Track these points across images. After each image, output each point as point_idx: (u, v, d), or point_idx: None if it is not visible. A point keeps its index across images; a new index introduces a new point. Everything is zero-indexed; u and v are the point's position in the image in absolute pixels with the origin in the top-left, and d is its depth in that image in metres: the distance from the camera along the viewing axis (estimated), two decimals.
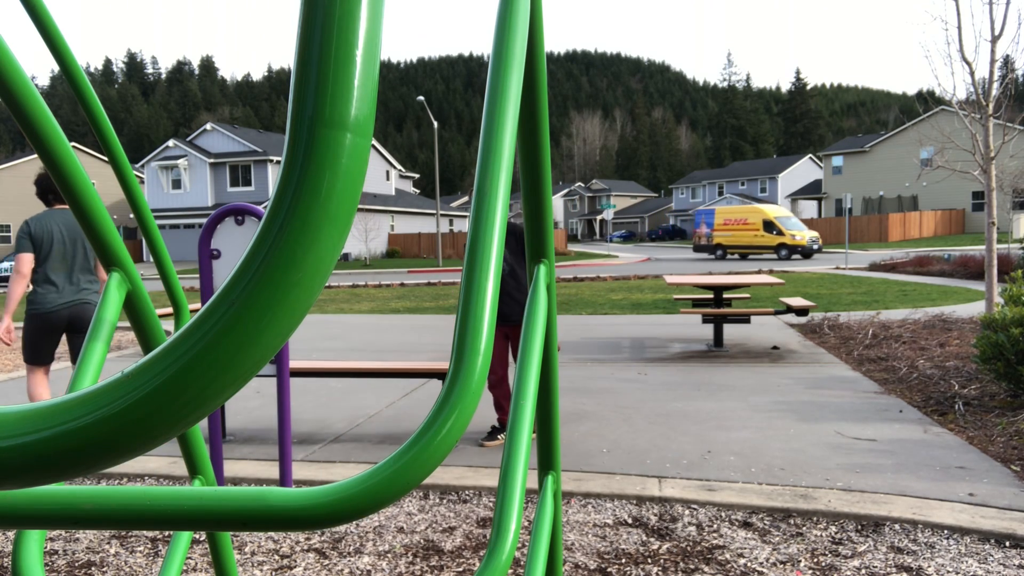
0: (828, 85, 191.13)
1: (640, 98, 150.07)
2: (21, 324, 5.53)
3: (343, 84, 0.38)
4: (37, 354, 4.97)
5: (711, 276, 10.77)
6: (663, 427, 5.47)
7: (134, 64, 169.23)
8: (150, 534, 3.79)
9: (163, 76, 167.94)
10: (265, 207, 0.78)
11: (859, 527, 3.66)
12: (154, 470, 4.72)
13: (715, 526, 3.73)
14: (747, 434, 5.23)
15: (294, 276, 0.38)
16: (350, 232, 0.61)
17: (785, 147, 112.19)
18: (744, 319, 9.12)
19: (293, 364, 5.38)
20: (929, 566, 3.21)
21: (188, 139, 50.12)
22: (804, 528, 3.67)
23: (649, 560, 3.37)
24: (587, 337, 10.34)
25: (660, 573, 3.24)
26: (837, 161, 56.80)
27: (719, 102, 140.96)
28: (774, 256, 34.71)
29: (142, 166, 49.26)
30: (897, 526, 3.64)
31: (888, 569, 3.21)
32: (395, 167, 55.47)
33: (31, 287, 4.99)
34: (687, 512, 3.90)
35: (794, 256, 33.50)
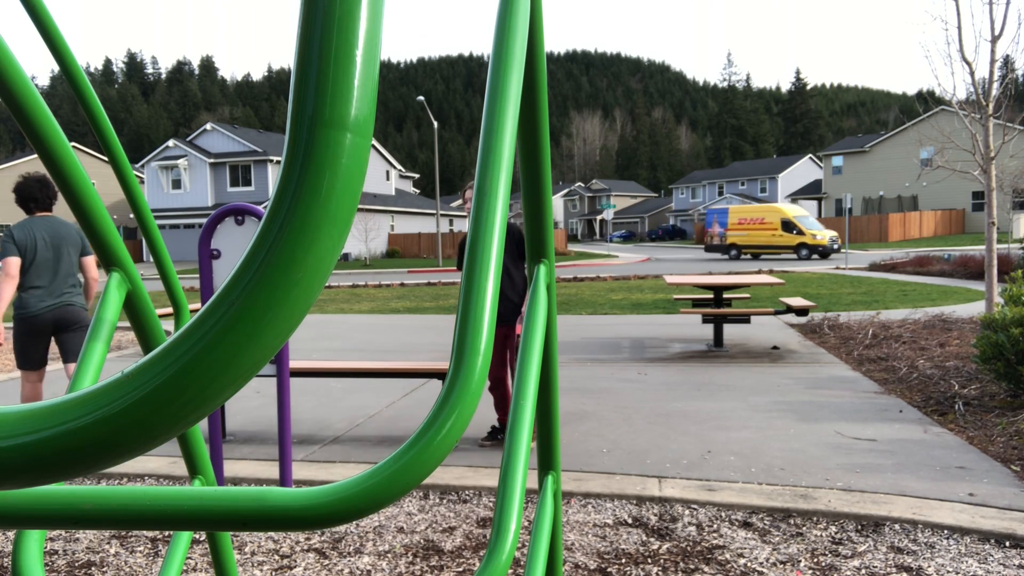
0: (828, 85, 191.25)
1: (640, 98, 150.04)
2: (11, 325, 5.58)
3: (343, 84, 0.38)
4: (27, 358, 5.06)
5: (711, 276, 10.77)
6: (663, 427, 5.47)
7: (134, 64, 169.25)
8: (150, 534, 3.79)
9: (163, 76, 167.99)
10: (265, 207, 0.78)
11: (859, 527, 3.66)
12: (154, 470, 4.72)
13: (715, 526, 3.73)
14: (747, 434, 5.23)
15: (294, 276, 0.38)
16: (350, 232, 0.62)
17: (785, 147, 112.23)
18: (744, 319, 9.12)
19: (293, 364, 5.38)
20: (929, 566, 3.21)
21: (188, 139, 50.12)
22: (804, 528, 3.67)
23: (649, 560, 3.37)
24: (587, 337, 10.34)
25: (660, 573, 3.24)
26: (837, 161, 56.79)
27: (719, 102, 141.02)
28: (793, 256, 33.89)
29: (142, 166, 49.26)
30: (897, 526, 3.63)
31: (888, 569, 3.21)
32: (395, 167, 55.47)
33: (17, 293, 5.06)
34: (687, 512, 3.90)
35: (813, 256, 32.84)
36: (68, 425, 0.37)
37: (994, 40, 8.53)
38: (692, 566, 3.29)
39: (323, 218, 0.38)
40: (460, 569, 3.32)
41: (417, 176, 69.45)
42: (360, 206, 41.92)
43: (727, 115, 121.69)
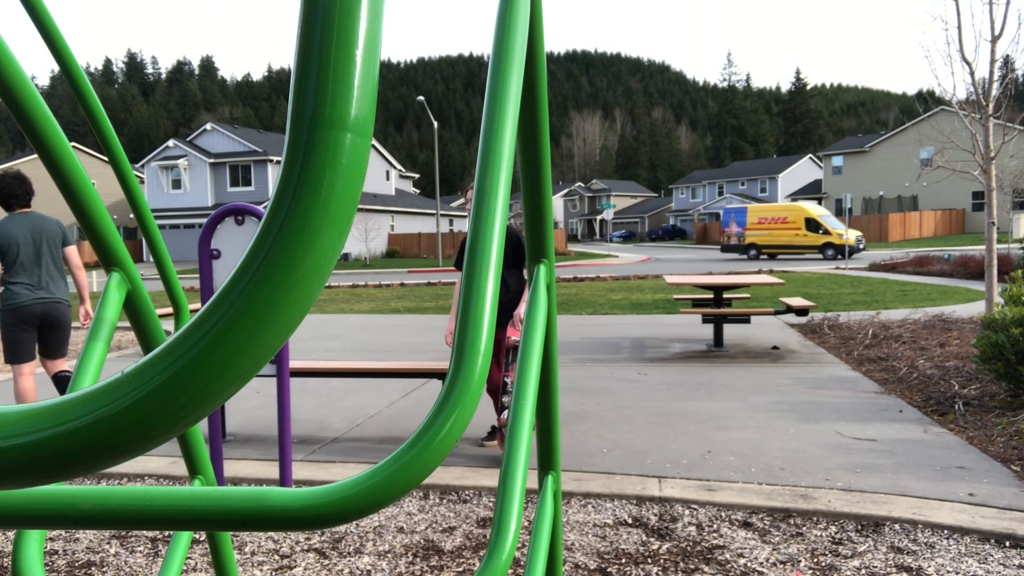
0: (828, 85, 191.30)
1: (640, 98, 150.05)
2: None
3: (343, 84, 0.38)
4: (16, 351, 5.13)
5: (711, 276, 10.77)
6: (663, 427, 5.47)
7: (134, 64, 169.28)
8: (150, 534, 3.79)
9: (163, 76, 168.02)
10: (265, 207, 0.78)
11: (859, 527, 3.66)
12: (154, 470, 4.72)
13: (715, 526, 3.73)
14: (747, 434, 5.23)
15: (294, 276, 0.38)
16: (350, 232, 0.62)
17: (785, 147, 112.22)
18: (744, 319, 9.12)
19: (293, 364, 5.38)
20: (929, 566, 3.21)
21: (188, 139, 50.11)
22: (804, 528, 3.67)
23: (649, 560, 3.37)
24: (587, 337, 10.34)
25: (660, 573, 3.24)
26: (837, 161, 56.80)
27: (719, 102, 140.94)
28: (819, 256, 32.96)
29: (142, 166, 49.24)
30: (897, 526, 3.63)
31: (888, 569, 3.21)
32: (395, 167, 55.47)
33: (2, 287, 5.11)
34: (687, 512, 3.90)
35: (838, 256, 31.88)
36: (68, 425, 0.37)
37: (994, 40, 8.53)
38: (692, 566, 3.29)
39: (323, 218, 0.38)
40: (460, 569, 3.32)
41: (417, 176, 69.47)
42: (360, 206, 41.92)
43: (727, 115, 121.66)
